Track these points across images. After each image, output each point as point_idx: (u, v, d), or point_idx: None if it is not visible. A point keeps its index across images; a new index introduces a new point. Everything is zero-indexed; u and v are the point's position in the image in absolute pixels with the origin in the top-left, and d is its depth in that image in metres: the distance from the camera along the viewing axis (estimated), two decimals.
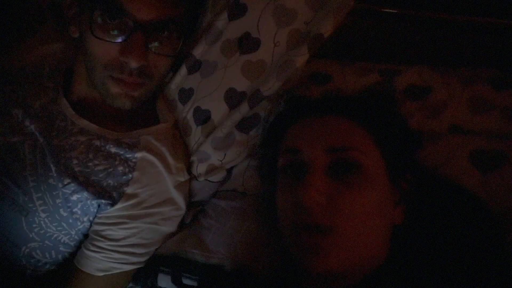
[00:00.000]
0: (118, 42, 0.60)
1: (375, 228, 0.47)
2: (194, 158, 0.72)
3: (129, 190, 0.65)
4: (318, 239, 0.45)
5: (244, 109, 0.66)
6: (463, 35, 0.66)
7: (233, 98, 0.68)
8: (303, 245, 0.47)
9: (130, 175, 0.65)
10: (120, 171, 0.65)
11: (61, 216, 0.64)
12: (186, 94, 0.73)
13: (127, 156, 0.66)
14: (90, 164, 0.65)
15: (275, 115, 0.64)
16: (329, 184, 0.47)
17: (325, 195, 0.46)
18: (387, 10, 0.72)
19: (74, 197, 0.63)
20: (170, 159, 0.69)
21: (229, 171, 0.73)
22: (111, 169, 0.65)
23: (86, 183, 0.63)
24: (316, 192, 0.46)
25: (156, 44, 0.62)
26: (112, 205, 0.64)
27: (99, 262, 0.64)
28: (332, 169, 0.48)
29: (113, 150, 0.66)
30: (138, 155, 0.66)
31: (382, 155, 0.50)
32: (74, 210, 0.64)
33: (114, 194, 0.65)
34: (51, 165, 0.64)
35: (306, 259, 0.46)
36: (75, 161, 0.64)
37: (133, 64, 0.60)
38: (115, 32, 0.59)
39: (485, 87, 0.58)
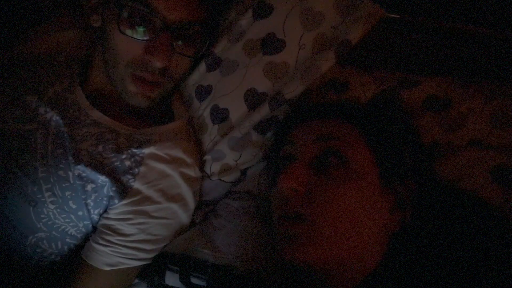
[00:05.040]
0: (144, 40, 0.59)
1: (360, 228, 0.47)
2: (208, 156, 0.72)
3: (136, 185, 0.64)
4: (294, 228, 0.47)
5: (264, 110, 0.66)
6: (486, 48, 0.67)
7: (253, 99, 0.67)
8: (280, 233, 0.48)
9: (137, 170, 0.64)
10: (127, 166, 0.64)
11: (70, 208, 0.63)
12: (204, 91, 0.72)
13: (135, 151, 0.65)
14: (99, 156, 0.64)
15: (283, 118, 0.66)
16: (312, 175, 0.49)
17: (305, 185, 0.48)
18: (392, 15, 0.72)
19: (89, 187, 0.62)
20: (181, 155, 0.68)
21: (244, 172, 0.72)
22: (118, 163, 0.64)
23: (97, 172, 0.63)
24: (294, 180, 0.48)
25: (180, 44, 0.62)
26: (120, 199, 0.63)
27: (107, 257, 0.63)
28: (318, 162, 0.50)
29: (122, 144, 0.65)
30: (146, 150, 0.65)
31: (374, 156, 0.50)
32: (88, 201, 0.63)
33: (122, 188, 0.64)
34: (62, 156, 0.63)
35: (280, 246, 0.48)
36: (84, 153, 0.63)
37: (158, 64, 0.60)
38: (141, 29, 0.59)
39: (507, 102, 0.58)
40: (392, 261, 0.48)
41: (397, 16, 0.72)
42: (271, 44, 0.66)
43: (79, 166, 0.62)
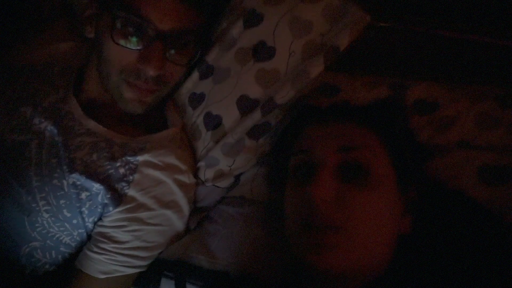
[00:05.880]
0: (138, 50, 0.60)
1: (381, 233, 0.48)
2: (202, 163, 0.72)
3: (130, 192, 0.65)
4: (323, 237, 0.46)
5: (256, 116, 0.67)
6: (471, 52, 0.69)
7: (245, 105, 0.68)
8: (308, 242, 0.47)
9: (131, 177, 0.65)
10: (121, 173, 0.65)
11: (65, 217, 0.64)
12: (197, 99, 0.73)
13: (129, 158, 0.66)
14: (93, 165, 0.64)
15: (289, 121, 0.65)
16: (338, 183, 0.48)
17: (334, 194, 0.47)
18: (381, 24, 0.74)
19: (83, 195, 0.63)
20: (174, 161, 0.69)
21: (237, 177, 0.73)
22: (112, 171, 0.64)
23: (91, 181, 0.63)
24: (325, 190, 0.47)
25: (173, 52, 0.63)
26: (115, 206, 0.64)
27: (102, 264, 0.63)
28: (342, 169, 0.49)
29: (117, 153, 0.66)
30: (140, 158, 0.66)
31: (392, 162, 0.51)
32: (83, 209, 0.63)
33: (116, 196, 0.64)
34: (56, 165, 0.63)
35: (309, 256, 0.47)
36: (78, 162, 0.64)
37: (151, 72, 0.61)
38: (134, 39, 0.60)
39: (492, 104, 0.59)
40: (399, 264, 0.49)
41: (387, 25, 0.74)
42: (262, 51, 0.67)
43: (73, 175, 0.63)
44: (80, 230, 0.65)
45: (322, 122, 0.55)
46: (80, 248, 0.67)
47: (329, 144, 0.51)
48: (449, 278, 0.46)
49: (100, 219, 0.65)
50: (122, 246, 0.64)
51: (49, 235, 0.64)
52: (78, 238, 0.66)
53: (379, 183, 0.49)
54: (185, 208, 0.69)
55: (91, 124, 0.67)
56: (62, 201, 0.63)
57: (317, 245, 0.46)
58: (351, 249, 0.46)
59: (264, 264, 0.62)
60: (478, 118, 0.60)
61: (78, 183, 0.63)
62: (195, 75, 0.73)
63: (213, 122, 0.71)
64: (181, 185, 0.68)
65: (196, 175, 0.73)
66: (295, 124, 0.61)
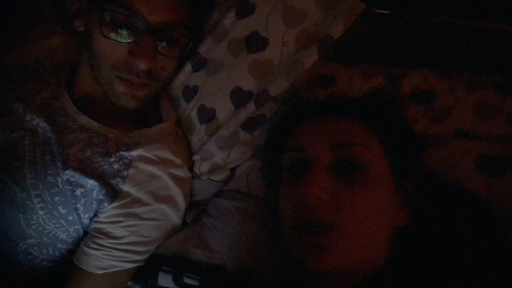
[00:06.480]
0: (128, 43, 0.59)
1: (377, 229, 0.48)
2: (197, 156, 0.72)
3: (125, 187, 0.64)
4: (319, 238, 0.46)
5: (250, 108, 0.66)
6: (469, 39, 0.67)
7: (239, 97, 0.67)
8: (304, 244, 0.47)
9: (126, 172, 0.65)
10: (116, 169, 0.64)
11: (60, 214, 0.63)
12: (190, 92, 0.72)
13: (123, 153, 0.65)
14: (87, 161, 0.64)
15: (280, 116, 0.64)
16: (333, 181, 0.48)
17: (328, 192, 0.47)
18: (381, 12, 0.73)
19: (78, 192, 0.62)
20: (169, 156, 0.68)
21: (233, 170, 0.72)
22: (106, 166, 0.64)
23: (85, 177, 0.63)
24: (319, 189, 0.46)
25: (164, 46, 0.62)
26: (110, 202, 0.64)
27: (99, 260, 0.63)
28: (336, 166, 0.49)
29: (111, 148, 0.65)
30: (134, 153, 0.66)
31: (387, 156, 0.51)
32: (78, 206, 0.63)
33: (111, 191, 0.64)
34: (50, 162, 0.63)
35: (306, 257, 0.47)
36: (72, 158, 0.64)
37: (142, 66, 0.60)
38: (124, 32, 0.59)
39: (490, 92, 0.58)
40: (397, 257, 0.49)
41: (386, 12, 0.73)
42: (255, 42, 0.66)
43: (67, 171, 0.62)
44: (76, 226, 0.65)
45: (317, 118, 0.55)
46: (77, 244, 0.67)
47: (323, 141, 0.50)
48: (446, 272, 0.46)
49: (96, 215, 0.65)
50: (119, 241, 0.64)
51: (45, 232, 0.64)
52: (74, 234, 0.66)
53: (374, 179, 0.48)
54: (181, 202, 0.69)
55: (85, 119, 0.67)
56: (56, 198, 0.63)
57: (314, 246, 0.46)
58: (348, 248, 0.46)
59: (261, 261, 0.62)
60: (476, 107, 0.59)
61: (73, 179, 0.63)
62: (188, 67, 0.72)
63: (207, 115, 0.70)
64: (176, 179, 0.68)
65: (191, 169, 0.72)
66: (289, 119, 0.60)
